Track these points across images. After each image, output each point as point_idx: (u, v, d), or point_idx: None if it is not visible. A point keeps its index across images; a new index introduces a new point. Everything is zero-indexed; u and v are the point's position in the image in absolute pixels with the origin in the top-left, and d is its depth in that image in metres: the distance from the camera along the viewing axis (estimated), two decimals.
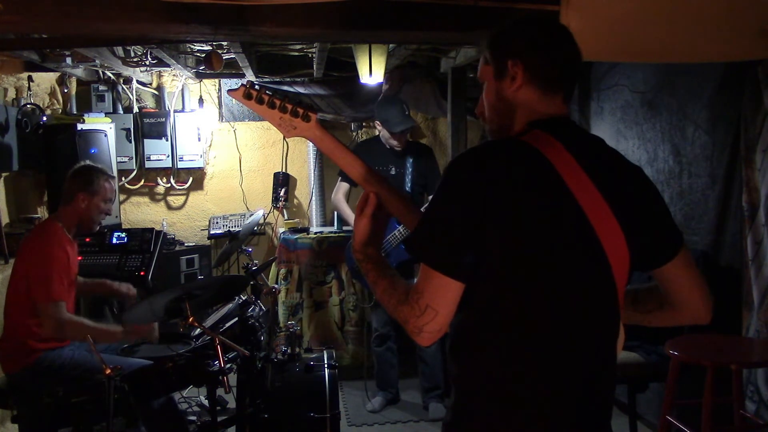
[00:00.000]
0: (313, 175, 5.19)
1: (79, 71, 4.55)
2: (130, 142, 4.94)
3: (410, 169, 3.90)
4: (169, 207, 5.33)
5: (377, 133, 4.00)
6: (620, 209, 1.20)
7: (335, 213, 4.91)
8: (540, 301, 1.17)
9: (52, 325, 2.66)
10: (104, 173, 2.96)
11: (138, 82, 5.03)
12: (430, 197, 1.49)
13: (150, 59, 4.27)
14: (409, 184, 3.87)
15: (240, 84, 1.37)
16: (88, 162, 3.10)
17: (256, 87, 1.36)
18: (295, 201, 5.48)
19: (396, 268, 1.37)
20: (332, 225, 5.01)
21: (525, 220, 1.15)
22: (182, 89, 5.16)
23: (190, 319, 2.47)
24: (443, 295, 1.17)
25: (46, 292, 2.66)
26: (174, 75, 5.12)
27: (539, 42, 1.27)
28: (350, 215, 4.08)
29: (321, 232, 4.81)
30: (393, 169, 3.90)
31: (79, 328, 2.69)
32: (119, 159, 4.79)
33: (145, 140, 5.02)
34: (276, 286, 4.01)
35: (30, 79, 4.26)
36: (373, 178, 1.39)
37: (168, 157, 5.08)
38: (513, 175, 1.16)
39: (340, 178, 4.09)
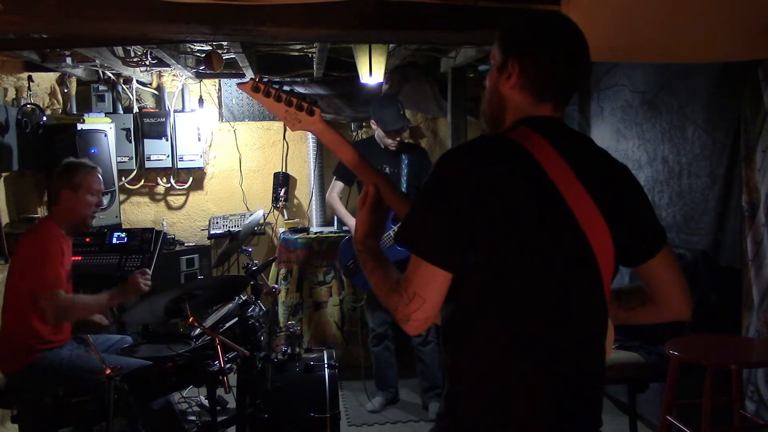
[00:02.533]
0: (313, 175, 5.20)
1: (79, 71, 4.55)
2: (130, 142, 4.94)
3: (405, 170, 3.91)
4: (169, 207, 5.33)
5: (374, 132, 4.00)
6: (605, 205, 1.23)
7: None
8: (528, 295, 1.19)
9: (52, 313, 2.68)
10: (85, 166, 2.94)
11: (138, 82, 5.03)
12: None
13: (150, 59, 4.27)
14: (404, 185, 3.87)
15: (249, 77, 1.41)
16: (70, 159, 3.08)
17: (264, 81, 1.43)
18: (295, 201, 5.48)
19: None
20: (332, 225, 5.01)
21: (511, 215, 1.17)
22: (182, 89, 5.16)
23: (190, 319, 2.47)
24: (430, 283, 1.20)
25: (42, 281, 2.69)
26: (174, 75, 5.13)
27: (540, 50, 1.28)
28: (344, 214, 4.09)
29: (321, 232, 4.82)
30: (387, 168, 3.90)
31: (75, 306, 2.76)
32: (119, 159, 4.79)
33: (145, 140, 5.02)
34: (276, 286, 4.01)
35: (30, 79, 4.26)
36: (370, 171, 1.45)
37: (168, 157, 5.08)
38: (499, 171, 1.19)
39: (335, 177, 4.10)
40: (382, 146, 3.91)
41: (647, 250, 1.33)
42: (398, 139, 3.89)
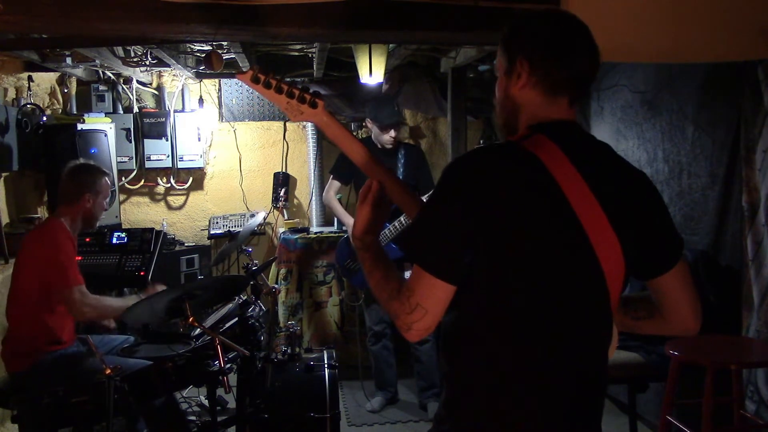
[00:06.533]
0: (313, 175, 5.19)
1: (79, 71, 4.55)
2: (130, 142, 4.94)
3: (401, 169, 3.91)
4: (169, 207, 5.33)
5: (370, 133, 4.00)
6: (618, 218, 1.19)
7: None
8: (530, 304, 1.18)
9: (80, 310, 2.73)
10: (103, 171, 3.03)
11: (138, 82, 5.03)
12: (422, 197, 1.50)
13: (150, 59, 4.27)
14: None
15: (248, 68, 1.37)
16: (83, 160, 3.13)
17: (264, 72, 1.37)
18: (295, 201, 5.48)
19: None
20: (332, 225, 5.01)
21: (519, 224, 1.15)
22: (182, 89, 5.16)
23: (190, 319, 2.47)
24: (434, 295, 1.18)
25: (65, 279, 2.72)
26: (174, 75, 5.12)
27: (549, 43, 1.24)
28: (342, 213, 4.10)
29: (321, 232, 4.82)
30: None
31: (103, 308, 2.83)
32: (119, 159, 4.78)
33: (145, 140, 5.02)
34: (276, 286, 4.01)
35: (30, 79, 4.26)
36: (376, 166, 1.39)
37: (168, 157, 5.08)
38: (509, 181, 1.16)
39: (331, 176, 4.10)
40: (379, 146, 3.91)
41: (660, 266, 1.29)
42: (393, 135, 3.87)
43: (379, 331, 4.03)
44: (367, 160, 1.39)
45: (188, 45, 4.16)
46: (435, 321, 1.20)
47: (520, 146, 1.20)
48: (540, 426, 1.19)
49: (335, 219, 4.91)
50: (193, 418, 3.54)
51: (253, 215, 5.06)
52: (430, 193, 1.21)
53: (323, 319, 4.69)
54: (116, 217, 4.64)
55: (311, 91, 1.39)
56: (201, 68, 4.48)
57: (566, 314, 1.19)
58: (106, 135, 4.44)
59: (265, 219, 5.22)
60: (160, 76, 5.15)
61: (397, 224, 3.60)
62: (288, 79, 1.39)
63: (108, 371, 2.21)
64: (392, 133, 3.87)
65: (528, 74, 1.24)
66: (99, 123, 4.52)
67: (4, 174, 4.17)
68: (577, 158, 1.19)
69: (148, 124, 5.02)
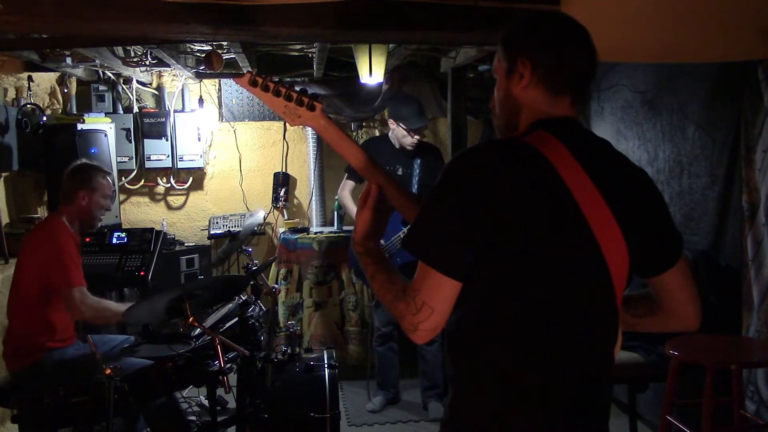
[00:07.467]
0: (313, 175, 5.20)
1: (79, 71, 4.55)
2: (130, 142, 4.95)
3: (417, 170, 3.87)
4: (169, 207, 5.34)
5: (390, 131, 3.91)
6: (622, 214, 1.19)
7: (335, 213, 4.91)
8: (536, 304, 1.17)
9: (79, 310, 2.73)
10: (102, 170, 3.01)
11: (138, 82, 5.04)
12: None
13: (150, 59, 4.28)
14: (415, 186, 3.84)
15: (246, 71, 1.38)
16: (84, 160, 3.12)
17: (262, 74, 1.38)
18: (295, 201, 5.48)
19: (401, 269, 1.36)
20: (332, 225, 5.01)
21: (523, 221, 1.14)
22: (182, 89, 5.16)
23: (190, 319, 2.47)
24: (439, 292, 1.17)
25: (67, 279, 2.72)
26: (174, 75, 5.13)
27: (550, 42, 1.25)
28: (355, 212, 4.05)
29: (321, 232, 4.82)
30: (400, 169, 3.86)
31: (102, 310, 2.81)
32: (119, 159, 4.79)
33: (145, 140, 5.02)
34: (276, 286, 4.00)
35: (30, 79, 4.27)
36: (375, 170, 1.39)
37: (168, 157, 5.09)
38: (512, 176, 1.15)
39: (346, 174, 4.06)
40: (397, 146, 3.86)
41: (662, 263, 1.28)
42: (418, 138, 3.81)
43: (386, 333, 4.02)
44: (365, 164, 1.39)
45: (188, 45, 4.16)
46: (441, 321, 1.18)
47: (523, 143, 1.20)
48: (540, 426, 1.18)
49: (335, 219, 4.91)
50: (193, 418, 3.54)
51: (252, 215, 5.06)
52: (433, 188, 1.20)
53: (323, 319, 4.69)
54: (116, 217, 4.65)
55: (309, 93, 1.39)
56: (201, 68, 4.48)
57: (571, 315, 1.18)
58: (106, 135, 4.45)
59: (264, 218, 5.22)
60: (160, 76, 5.15)
61: None
62: (287, 81, 1.39)
63: (108, 371, 2.21)
64: (418, 136, 3.81)
65: (530, 73, 1.24)
66: (99, 123, 4.53)
67: (4, 174, 4.17)
68: (579, 154, 1.19)
69: (148, 124, 5.02)
